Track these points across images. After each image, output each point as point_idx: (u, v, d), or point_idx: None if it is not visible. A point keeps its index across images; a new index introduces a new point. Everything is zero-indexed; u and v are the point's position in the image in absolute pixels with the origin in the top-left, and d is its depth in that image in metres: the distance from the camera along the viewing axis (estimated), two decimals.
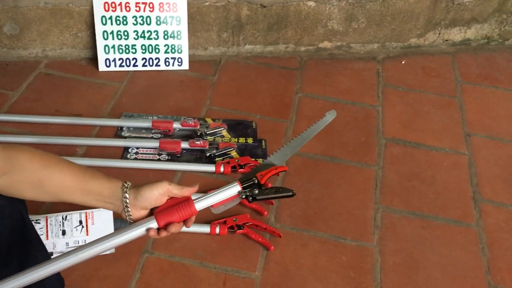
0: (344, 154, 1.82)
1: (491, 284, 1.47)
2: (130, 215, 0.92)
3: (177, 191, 0.93)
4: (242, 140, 1.82)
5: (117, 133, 1.80)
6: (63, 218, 1.42)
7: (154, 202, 0.92)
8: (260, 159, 1.76)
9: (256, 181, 0.98)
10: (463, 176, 1.77)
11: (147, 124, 1.81)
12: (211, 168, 1.70)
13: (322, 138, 1.87)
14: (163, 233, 0.94)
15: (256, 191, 0.97)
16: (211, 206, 0.98)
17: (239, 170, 1.70)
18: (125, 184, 0.91)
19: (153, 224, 0.93)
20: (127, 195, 0.90)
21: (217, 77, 2.09)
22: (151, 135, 1.80)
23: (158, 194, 0.91)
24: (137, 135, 1.79)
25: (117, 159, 1.70)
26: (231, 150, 1.77)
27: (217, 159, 1.74)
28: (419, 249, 1.55)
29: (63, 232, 1.40)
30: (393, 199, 1.68)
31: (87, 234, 1.41)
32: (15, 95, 1.91)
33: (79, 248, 0.90)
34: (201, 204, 0.96)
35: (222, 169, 1.69)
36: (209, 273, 1.44)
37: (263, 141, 1.83)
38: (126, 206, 0.91)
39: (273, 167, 0.99)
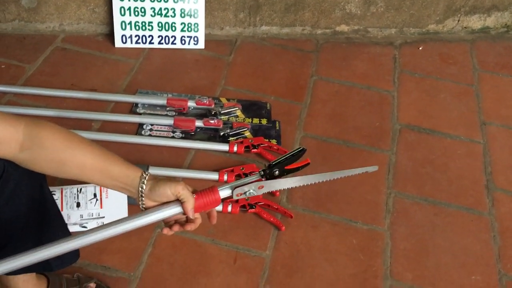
0: (358, 139, 1.81)
1: (501, 272, 1.47)
2: (144, 204, 0.93)
3: (185, 197, 0.92)
4: (256, 120, 1.82)
5: (132, 109, 1.81)
6: (78, 191, 1.43)
7: (166, 198, 0.93)
8: (274, 140, 1.76)
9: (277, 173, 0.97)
10: (477, 164, 1.76)
11: (162, 101, 1.81)
12: (224, 147, 1.70)
13: (336, 122, 1.87)
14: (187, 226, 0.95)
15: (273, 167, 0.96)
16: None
17: (253, 150, 1.71)
18: (144, 174, 0.92)
19: (178, 209, 0.94)
20: (144, 186, 0.91)
21: (232, 57, 2.08)
22: (165, 113, 1.80)
23: (170, 193, 0.92)
24: (152, 112, 1.80)
25: (132, 135, 1.71)
26: (245, 130, 1.77)
27: (230, 138, 1.74)
28: (430, 235, 1.54)
29: (78, 204, 1.42)
30: (406, 184, 1.68)
31: (101, 207, 1.43)
32: (31, 68, 1.92)
33: (103, 227, 0.91)
34: (225, 192, 0.95)
35: (235, 148, 1.70)
36: (220, 250, 1.45)
37: (277, 122, 1.83)
38: (141, 196, 0.92)
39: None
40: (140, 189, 0.91)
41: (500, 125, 1.91)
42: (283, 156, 0.97)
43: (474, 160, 1.78)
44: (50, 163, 0.88)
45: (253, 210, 1.54)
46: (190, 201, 0.91)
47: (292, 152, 0.97)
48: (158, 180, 0.92)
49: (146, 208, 0.94)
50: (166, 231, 0.96)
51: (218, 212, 1.52)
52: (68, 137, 0.89)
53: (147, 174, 0.91)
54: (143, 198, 0.92)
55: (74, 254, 1.11)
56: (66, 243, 0.89)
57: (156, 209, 0.93)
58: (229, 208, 1.53)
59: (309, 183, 1.01)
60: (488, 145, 1.83)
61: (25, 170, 0.94)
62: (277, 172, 0.96)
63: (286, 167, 0.97)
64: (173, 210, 0.93)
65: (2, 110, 0.94)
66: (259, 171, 0.97)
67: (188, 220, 0.97)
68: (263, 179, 0.97)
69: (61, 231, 1.07)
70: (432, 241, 1.53)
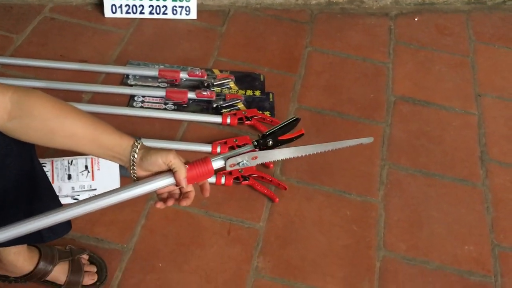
0: (353, 110, 1.80)
1: (494, 242, 1.48)
2: (135, 174, 0.91)
3: (176, 166, 0.90)
4: (249, 92, 1.80)
5: (123, 81, 1.78)
6: (69, 163, 1.41)
7: (157, 168, 0.91)
8: (267, 112, 1.74)
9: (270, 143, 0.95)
10: (471, 136, 1.76)
11: (153, 72, 1.78)
12: (217, 119, 1.68)
13: (330, 93, 1.85)
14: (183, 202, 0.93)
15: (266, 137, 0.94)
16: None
17: (246, 122, 1.69)
18: (135, 143, 0.90)
19: (170, 180, 0.91)
20: (135, 155, 0.89)
21: (225, 28, 2.04)
22: (157, 84, 1.77)
23: (161, 162, 0.90)
24: (143, 84, 1.77)
25: (123, 106, 1.68)
26: (238, 102, 1.75)
27: (223, 110, 1.72)
28: (424, 206, 1.55)
29: (69, 177, 1.40)
30: (400, 156, 1.67)
31: (93, 179, 1.41)
32: (19, 38, 1.88)
33: (94, 198, 0.89)
34: (218, 163, 0.94)
35: (228, 120, 1.67)
36: (214, 222, 1.45)
37: (270, 94, 1.81)
38: (133, 165, 0.90)
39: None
40: (131, 157, 0.89)
41: (495, 96, 1.90)
42: (277, 126, 0.95)
43: (468, 131, 1.77)
44: (39, 133, 0.86)
45: (246, 182, 1.52)
46: (182, 170, 0.90)
47: (286, 121, 0.95)
48: (149, 149, 0.90)
49: (138, 178, 0.92)
50: (159, 205, 0.95)
51: (211, 184, 1.51)
52: (57, 105, 0.87)
53: (139, 143, 0.90)
54: (135, 167, 0.90)
55: (66, 225, 1.10)
56: (57, 214, 0.87)
57: (148, 180, 0.91)
58: (223, 180, 1.51)
59: (303, 155, 1.00)
60: (483, 117, 1.82)
61: (14, 141, 0.92)
62: (270, 142, 0.95)
63: (280, 138, 0.96)
64: (165, 181, 0.91)
65: None
66: (253, 142, 0.95)
67: (182, 195, 0.95)
68: (256, 149, 0.95)
69: (52, 203, 1.05)
70: (425, 212, 1.53)
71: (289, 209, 1.50)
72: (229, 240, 1.41)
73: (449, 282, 1.39)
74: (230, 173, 1.52)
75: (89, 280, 1.25)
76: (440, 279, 1.39)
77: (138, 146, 0.89)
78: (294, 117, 0.96)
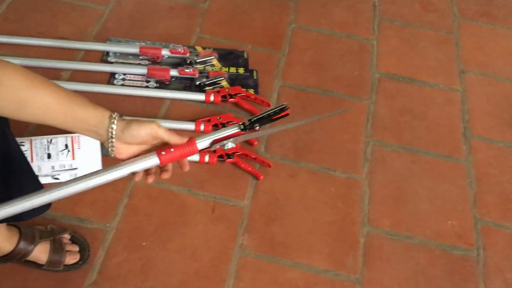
0: (337, 88, 1.78)
1: (476, 217, 1.49)
2: (113, 147, 0.88)
3: (165, 135, 0.88)
4: (233, 69, 1.77)
5: (103, 58, 1.74)
6: (48, 142, 1.38)
7: (140, 140, 0.88)
8: (252, 89, 1.72)
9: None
10: (455, 112, 1.76)
11: (134, 50, 1.74)
12: (201, 97, 1.66)
13: (315, 71, 1.83)
14: (164, 175, 0.91)
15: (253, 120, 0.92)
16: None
17: (230, 100, 1.67)
18: (112, 115, 0.87)
19: (155, 161, 0.90)
20: (114, 126, 0.86)
21: (207, 5, 2.00)
22: (138, 62, 1.74)
23: (145, 133, 0.86)
24: (124, 61, 1.73)
25: (104, 84, 1.65)
26: (222, 79, 1.72)
27: (207, 88, 1.70)
28: (408, 183, 1.55)
29: (48, 156, 1.37)
30: (385, 133, 1.67)
31: (73, 159, 1.38)
32: None
33: (76, 180, 0.87)
34: (203, 144, 0.91)
35: (212, 98, 1.65)
36: (198, 200, 1.43)
37: (254, 71, 1.78)
38: (111, 137, 0.86)
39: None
40: (110, 129, 0.86)
41: (478, 73, 1.90)
42: (265, 112, 0.93)
43: (452, 108, 1.77)
44: (11, 103, 0.83)
45: (230, 160, 1.51)
46: (172, 138, 0.87)
47: (275, 109, 0.93)
48: (130, 121, 0.87)
49: (116, 154, 0.89)
50: (137, 178, 0.92)
51: (195, 162, 1.49)
52: (30, 76, 0.84)
53: (116, 114, 0.87)
54: (113, 140, 0.87)
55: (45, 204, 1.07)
56: (38, 197, 0.84)
57: (132, 161, 0.89)
58: (206, 158, 1.50)
59: (284, 129, 0.98)
60: (467, 93, 1.83)
61: None
62: (258, 127, 0.93)
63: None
64: (150, 161, 0.89)
65: None
66: (239, 125, 0.93)
67: (161, 168, 0.93)
68: (242, 132, 0.93)
69: (30, 182, 1.02)
70: (410, 188, 1.54)
71: (274, 186, 1.49)
72: (214, 218, 1.40)
73: (433, 256, 1.40)
74: (214, 151, 1.51)
75: (71, 259, 1.24)
76: (424, 253, 1.40)
77: (116, 117, 0.86)
78: (283, 105, 0.93)
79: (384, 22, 2.05)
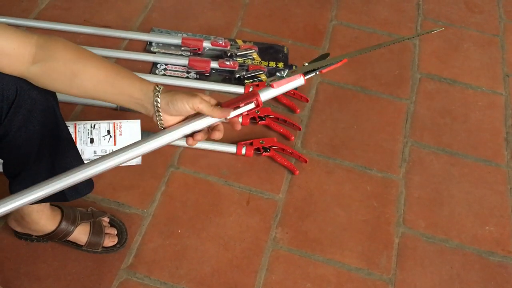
0: (376, 86, 1.77)
1: None
2: (162, 120, 0.89)
3: (207, 110, 0.88)
4: (272, 64, 1.78)
5: (146, 48, 1.77)
6: (91, 127, 1.41)
7: (185, 113, 0.89)
8: None
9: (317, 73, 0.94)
10: (497, 116, 1.72)
11: (177, 40, 1.77)
12: (240, 89, 1.67)
13: (354, 68, 1.82)
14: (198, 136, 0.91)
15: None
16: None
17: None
18: (156, 87, 0.87)
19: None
20: (158, 99, 0.87)
21: None
22: (180, 53, 1.76)
23: (190, 108, 0.88)
24: (166, 52, 1.76)
25: (146, 73, 1.68)
26: (261, 73, 1.73)
27: (246, 81, 1.71)
28: (445, 185, 1.53)
29: (91, 140, 1.41)
30: (423, 134, 1.65)
31: (115, 144, 1.42)
32: (44, 1, 1.87)
33: (115, 153, 0.89)
34: (266, 95, 0.93)
35: (244, 151, 1.62)
36: (233, 191, 1.45)
37: (294, 66, 1.78)
38: (158, 111, 0.87)
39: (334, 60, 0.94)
40: (155, 103, 0.87)
41: None
42: (317, 60, 0.94)
43: (494, 112, 1.74)
44: (62, 76, 0.86)
45: (267, 153, 1.52)
46: (213, 113, 0.87)
47: (319, 57, 0.94)
48: (174, 94, 0.87)
49: (165, 127, 0.90)
50: (190, 141, 0.91)
51: (231, 154, 1.51)
52: (80, 50, 0.88)
53: (160, 87, 0.88)
54: (160, 113, 0.88)
55: (88, 185, 1.11)
56: (83, 171, 0.87)
57: (181, 124, 0.89)
58: (243, 151, 1.51)
59: (342, 59, 0.96)
60: (510, 97, 1.78)
61: (38, 95, 0.92)
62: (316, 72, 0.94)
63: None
64: (203, 121, 0.89)
65: None
66: (299, 69, 0.93)
67: (212, 128, 0.92)
68: (301, 75, 0.94)
69: (74, 158, 1.05)
70: (447, 191, 1.51)
71: (309, 182, 1.49)
72: (248, 210, 1.41)
73: (468, 261, 1.37)
74: (251, 143, 1.52)
75: (109, 242, 1.27)
76: (459, 258, 1.38)
77: (160, 90, 0.87)
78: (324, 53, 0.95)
79: (427, 21, 2.02)
